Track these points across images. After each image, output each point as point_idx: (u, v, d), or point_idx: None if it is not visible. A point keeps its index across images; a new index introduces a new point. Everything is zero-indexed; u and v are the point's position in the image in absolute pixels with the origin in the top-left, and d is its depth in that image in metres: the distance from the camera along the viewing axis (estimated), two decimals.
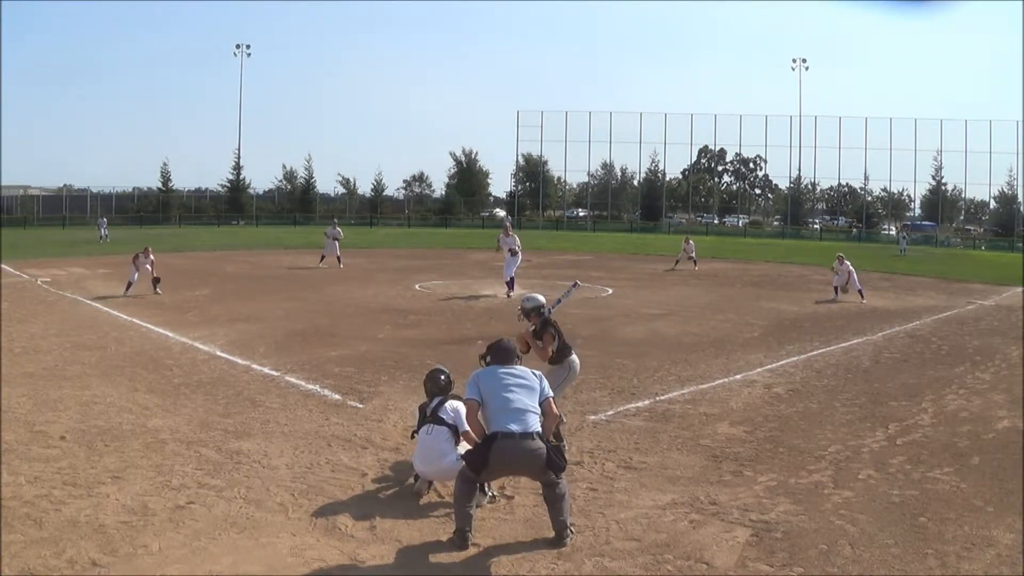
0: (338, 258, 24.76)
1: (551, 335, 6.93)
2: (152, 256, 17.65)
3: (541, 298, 7.22)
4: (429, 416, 5.65)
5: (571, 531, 4.91)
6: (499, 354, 5.35)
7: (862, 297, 18.28)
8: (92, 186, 66.73)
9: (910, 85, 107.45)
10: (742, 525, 5.18)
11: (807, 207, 72.71)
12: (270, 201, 69.72)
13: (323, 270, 23.58)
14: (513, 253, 18.49)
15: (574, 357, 7.11)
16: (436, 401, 5.72)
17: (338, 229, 25.50)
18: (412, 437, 5.89)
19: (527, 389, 5.08)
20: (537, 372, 5.28)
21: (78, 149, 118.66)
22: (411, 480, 5.81)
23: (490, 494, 5.51)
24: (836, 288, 18.71)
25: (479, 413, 5.15)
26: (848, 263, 18.75)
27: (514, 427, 4.88)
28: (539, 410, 5.06)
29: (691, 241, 28.70)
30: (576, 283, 8.71)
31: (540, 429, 4.99)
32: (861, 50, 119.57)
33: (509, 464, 4.94)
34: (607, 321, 14.17)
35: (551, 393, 5.23)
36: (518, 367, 5.28)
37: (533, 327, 7.01)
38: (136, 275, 17.14)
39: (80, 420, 7.33)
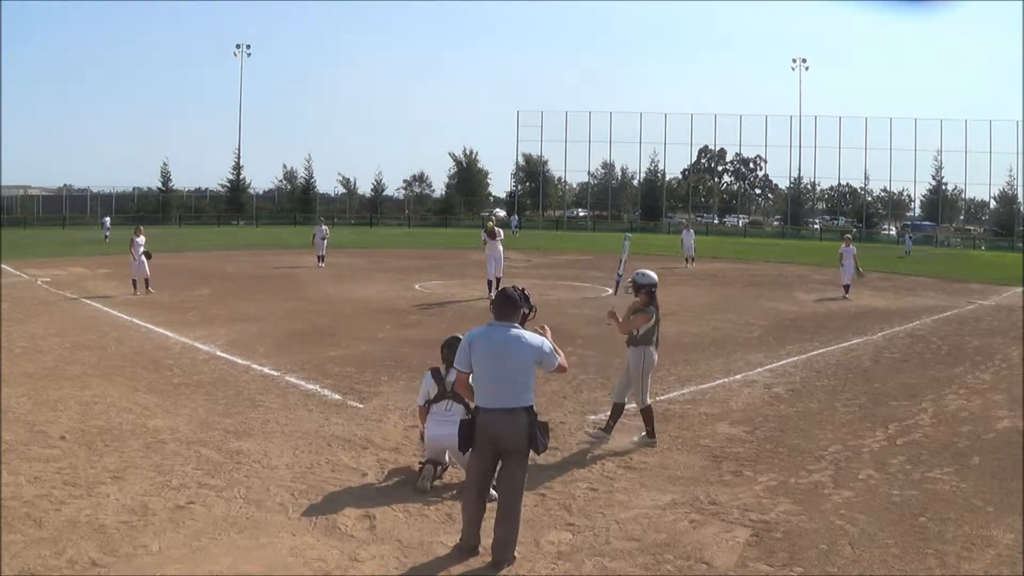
0: (321, 257, 24.93)
1: (645, 316, 6.85)
2: (142, 237, 17.50)
3: (654, 275, 7.08)
4: (450, 392, 5.78)
5: (514, 558, 4.62)
6: (501, 305, 4.79)
7: (845, 292, 18.87)
8: (92, 186, 66.67)
9: (910, 85, 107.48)
10: (742, 525, 5.18)
11: (807, 207, 72.72)
12: (270, 201, 69.68)
13: (323, 270, 23.61)
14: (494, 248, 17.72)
15: (653, 348, 6.96)
16: (455, 373, 5.74)
17: (324, 228, 25.69)
18: (426, 406, 6.00)
19: (521, 359, 4.64)
20: (538, 339, 4.74)
21: (78, 149, 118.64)
22: (419, 464, 5.90)
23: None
24: (845, 286, 19.06)
25: (469, 382, 4.86)
26: (854, 248, 19.40)
27: (498, 402, 4.61)
28: (530, 382, 4.69)
29: (691, 229, 28.83)
30: (627, 235, 8.53)
31: (529, 403, 4.67)
32: (861, 50, 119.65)
33: (494, 438, 4.64)
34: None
35: (555, 364, 4.75)
36: (516, 332, 4.70)
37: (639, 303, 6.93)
38: (137, 264, 17.03)
39: (80, 420, 7.33)
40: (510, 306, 4.81)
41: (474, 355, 4.70)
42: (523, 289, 5.20)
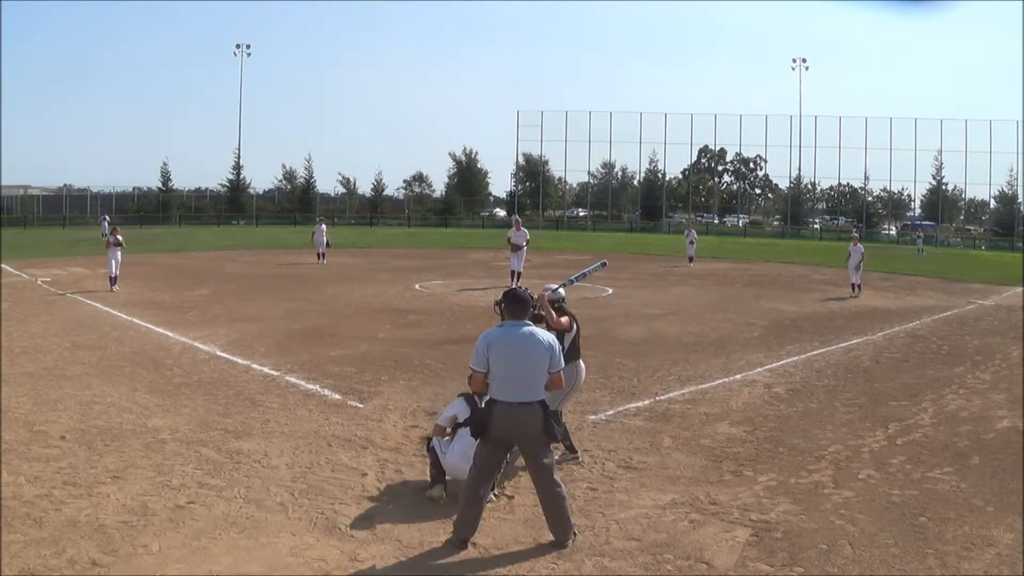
0: (322, 254, 25.08)
1: (570, 318, 6.71)
2: (120, 236, 17.92)
3: (562, 292, 6.93)
4: None
5: (574, 533, 4.89)
6: (513, 305, 5.02)
7: (856, 291, 19.08)
8: (92, 186, 66.72)
9: (910, 85, 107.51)
10: (742, 525, 5.18)
11: (807, 207, 72.71)
12: (270, 201, 69.68)
13: (323, 269, 23.62)
14: (517, 248, 19.55)
15: (581, 362, 6.83)
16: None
17: (323, 227, 25.84)
18: (449, 428, 5.68)
19: (537, 360, 4.84)
20: (549, 339, 4.95)
21: (78, 149, 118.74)
22: (429, 484, 5.70)
23: (492, 493, 5.50)
24: (853, 285, 19.26)
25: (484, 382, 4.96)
26: (861, 247, 19.70)
27: (515, 397, 4.79)
28: (544, 378, 4.89)
29: (693, 230, 29.29)
30: (604, 262, 8.41)
31: (542, 397, 4.88)
32: (861, 50, 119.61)
33: (509, 429, 4.82)
34: (607, 321, 14.17)
35: (562, 365, 4.99)
36: (530, 329, 4.93)
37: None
38: (113, 264, 17.37)
39: (80, 420, 7.33)
40: (521, 305, 5.04)
41: (492, 354, 4.89)
42: (526, 289, 5.30)
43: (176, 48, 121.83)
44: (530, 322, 5.07)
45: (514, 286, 17.71)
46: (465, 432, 5.56)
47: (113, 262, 17.45)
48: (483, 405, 5.10)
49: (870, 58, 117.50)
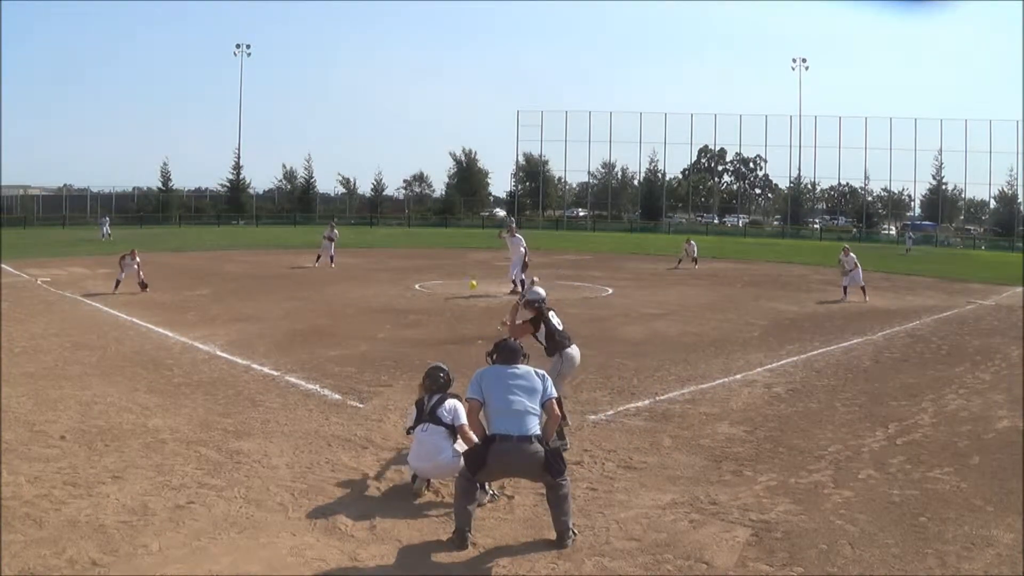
0: (331, 257, 24.94)
1: (530, 321, 7.27)
2: (138, 259, 17.66)
3: (543, 292, 7.58)
4: (427, 414, 5.66)
5: (573, 533, 4.90)
6: (504, 353, 5.35)
7: (864, 295, 18.48)
8: (92, 186, 66.67)
9: (910, 85, 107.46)
10: (742, 525, 5.19)
11: (807, 207, 72.73)
12: (270, 201, 69.69)
13: (322, 270, 23.60)
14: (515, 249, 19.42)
15: (571, 350, 7.20)
16: (435, 399, 5.72)
17: (336, 231, 25.70)
18: (408, 434, 5.89)
19: (529, 390, 5.08)
20: (541, 372, 5.27)
21: (78, 149, 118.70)
22: (410, 480, 5.81)
23: (490, 493, 5.52)
24: (845, 288, 18.82)
25: (480, 413, 5.16)
26: (853, 255, 19.09)
27: (512, 430, 4.89)
28: (539, 412, 5.07)
29: (692, 242, 29.03)
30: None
31: (539, 432, 4.99)
32: (861, 50, 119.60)
33: (507, 466, 4.96)
34: (607, 321, 14.17)
35: (555, 394, 5.23)
36: (521, 367, 5.26)
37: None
38: (123, 275, 17.38)
39: (80, 420, 7.34)
40: (512, 354, 5.34)
41: (486, 384, 5.12)
42: (517, 340, 5.84)
43: (176, 48, 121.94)
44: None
45: (512, 279, 18.19)
46: (416, 432, 5.71)
47: (123, 273, 17.39)
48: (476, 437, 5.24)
49: (870, 58, 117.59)
